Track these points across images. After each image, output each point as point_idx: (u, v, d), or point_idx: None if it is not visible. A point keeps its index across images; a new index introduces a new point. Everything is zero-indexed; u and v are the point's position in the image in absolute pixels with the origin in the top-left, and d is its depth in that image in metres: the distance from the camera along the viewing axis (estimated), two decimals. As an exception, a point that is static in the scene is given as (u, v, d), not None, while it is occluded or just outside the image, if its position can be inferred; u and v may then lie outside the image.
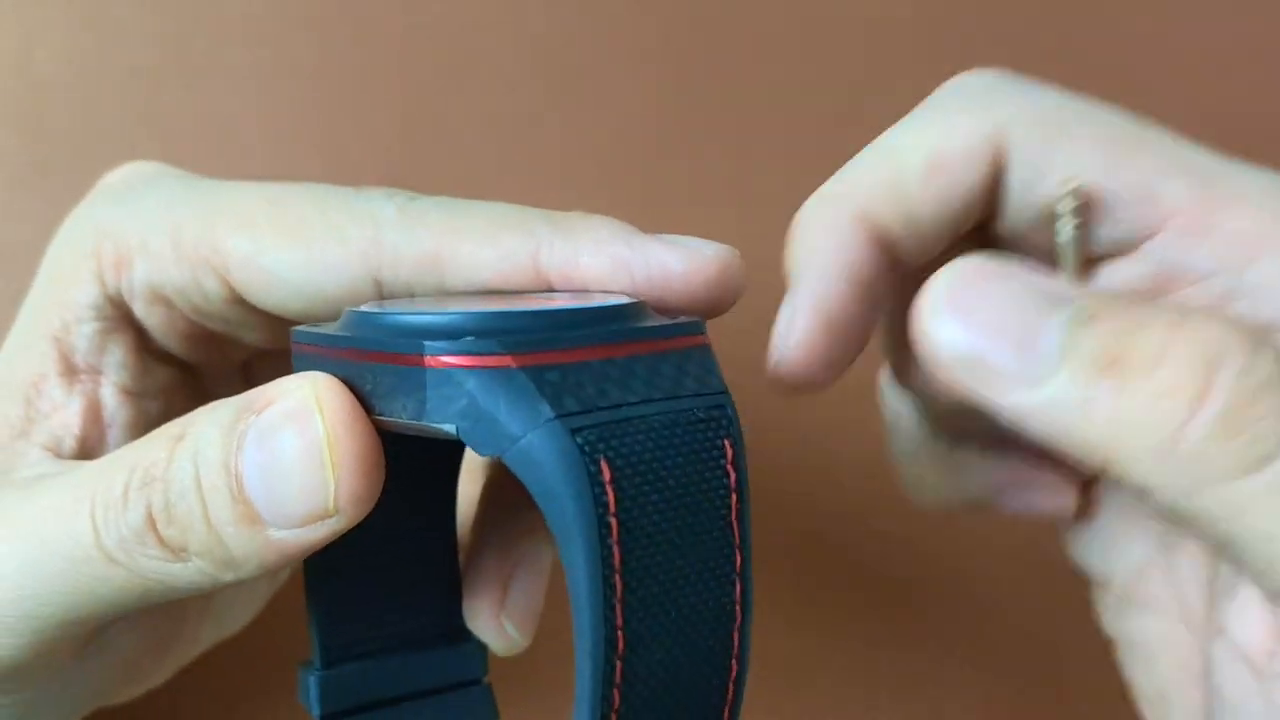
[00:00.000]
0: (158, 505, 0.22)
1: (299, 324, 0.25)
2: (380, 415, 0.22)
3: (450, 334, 0.20)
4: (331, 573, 0.26)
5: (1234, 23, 0.46)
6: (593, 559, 0.19)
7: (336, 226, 0.25)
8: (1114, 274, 0.25)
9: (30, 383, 0.26)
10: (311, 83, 0.40)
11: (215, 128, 0.39)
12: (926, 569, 0.42)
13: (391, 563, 0.27)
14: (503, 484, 0.29)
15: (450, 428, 0.20)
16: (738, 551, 0.21)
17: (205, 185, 0.27)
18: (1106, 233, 0.24)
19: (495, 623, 0.28)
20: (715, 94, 0.43)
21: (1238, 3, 0.46)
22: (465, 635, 0.28)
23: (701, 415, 0.21)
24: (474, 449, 0.20)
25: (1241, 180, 0.24)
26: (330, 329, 0.23)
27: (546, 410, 0.19)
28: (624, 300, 0.22)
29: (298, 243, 0.25)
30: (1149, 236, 0.24)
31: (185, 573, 0.22)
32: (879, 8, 0.44)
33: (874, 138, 0.26)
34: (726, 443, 0.21)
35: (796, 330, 0.25)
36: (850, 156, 0.26)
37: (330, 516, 0.21)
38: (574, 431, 0.19)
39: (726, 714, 0.22)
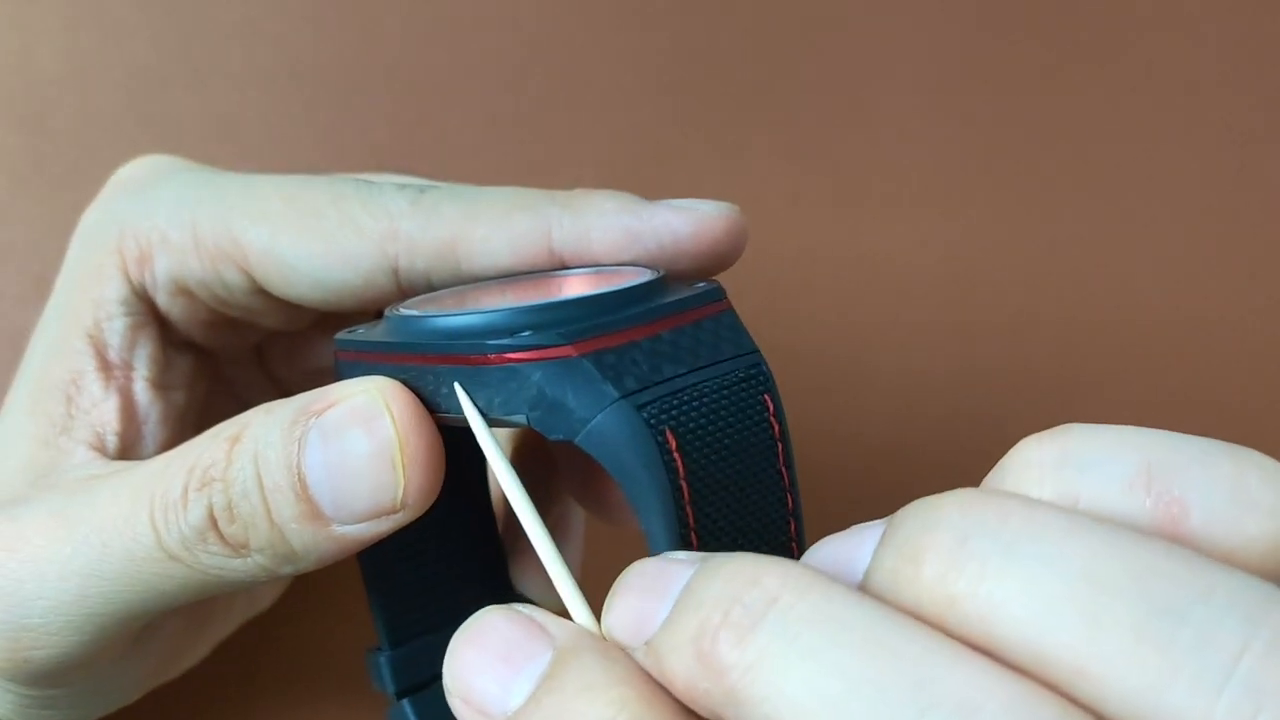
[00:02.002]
0: (219, 505, 0.23)
1: (317, 311, 0.26)
2: (445, 413, 0.23)
3: (507, 331, 0.22)
4: (386, 559, 0.27)
5: (1235, 22, 0.46)
6: (670, 523, 0.21)
7: (352, 218, 0.25)
8: None
9: (69, 380, 0.26)
10: (311, 83, 0.40)
11: (215, 128, 0.39)
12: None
13: (441, 540, 0.29)
14: (527, 455, 0.31)
15: (521, 418, 0.21)
16: (788, 494, 0.23)
17: (221, 179, 0.28)
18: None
19: (544, 580, 0.29)
20: (715, 93, 0.43)
21: (1238, 2, 0.46)
22: (518, 598, 0.30)
23: (742, 375, 0.22)
24: (545, 434, 0.21)
25: None
26: (375, 334, 0.24)
27: (611, 391, 0.21)
28: (650, 276, 0.23)
29: (314, 235, 0.25)
30: None
31: (245, 567, 0.23)
32: (879, 6, 0.44)
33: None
34: (766, 397, 0.22)
35: None
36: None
37: (396, 512, 0.23)
38: (639, 408, 0.21)
39: None
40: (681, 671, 0.16)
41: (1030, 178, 0.43)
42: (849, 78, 0.44)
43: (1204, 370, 0.42)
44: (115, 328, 0.27)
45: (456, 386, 0.22)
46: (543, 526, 0.21)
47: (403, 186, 0.26)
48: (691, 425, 0.21)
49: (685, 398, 0.21)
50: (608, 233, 0.25)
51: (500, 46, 0.42)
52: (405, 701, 0.28)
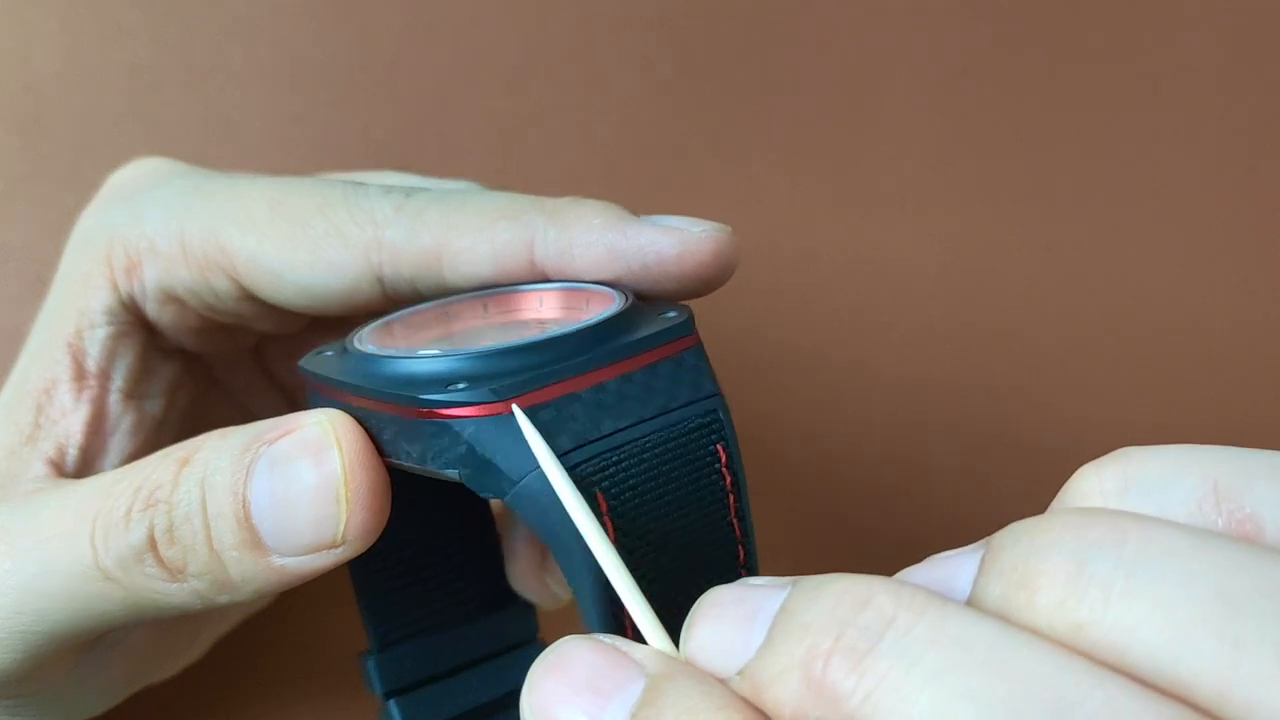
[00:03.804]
0: (160, 527, 0.23)
1: (308, 315, 0.26)
2: (388, 457, 0.22)
3: (442, 382, 0.21)
4: (375, 561, 0.27)
5: (1234, 23, 0.46)
6: (598, 588, 0.20)
7: (337, 226, 0.25)
8: None
9: (42, 389, 0.26)
10: (311, 83, 0.40)
11: (215, 127, 0.39)
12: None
13: (432, 543, 0.28)
14: None
15: (453, 473, 0.21)
16: (740, 546, 0.22)
17: (210, 184, 0.28)
18: None
19: (538, 581, 0.29)
20: (716, 92, 0.43)
21: (1239, 2, 0.46)
22: (511, 598, 0.29)
23: (695, 424, 0.21)
24: (477, 492, 0.21)
25: None
26: (330, 364, 0.24)
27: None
28: (614, 309, 0.23)
29: (300, 244, 0.25)
30: None
31: (180, 593, 0.23)
32: (880, 6, 0.44)
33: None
34: (720, 447, 0.22)
35: None
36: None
37: (337, 547, 0.22)
38: (568, 470, 0.20)
39: None
40: (789, 699, 0.15)
41: (1032, 178, 0.43)
42: (851, 78, 0.43)
43: (1207, 370, 0.42)
44: (97, 336, 0.27)
45: (515, 409, 0.21)
46: (615, 552, 0.20)
47: (389, 190, 0.26)
48: (625, 485, 0.21)
49: (621, 455, 0.21)
50: (591, 249, 0.24)
51: (500, 46, 0.42)
52: (392, 702, 0.28)
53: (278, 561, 0.22)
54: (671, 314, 0.23)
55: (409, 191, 0.26)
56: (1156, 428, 0.41)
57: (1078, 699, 0.14)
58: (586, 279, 0.25)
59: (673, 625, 0.20)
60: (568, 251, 0.25)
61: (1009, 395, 0.41)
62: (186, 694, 0.32)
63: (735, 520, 0.22)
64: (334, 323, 0.28)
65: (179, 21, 0.39)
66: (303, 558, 0.22)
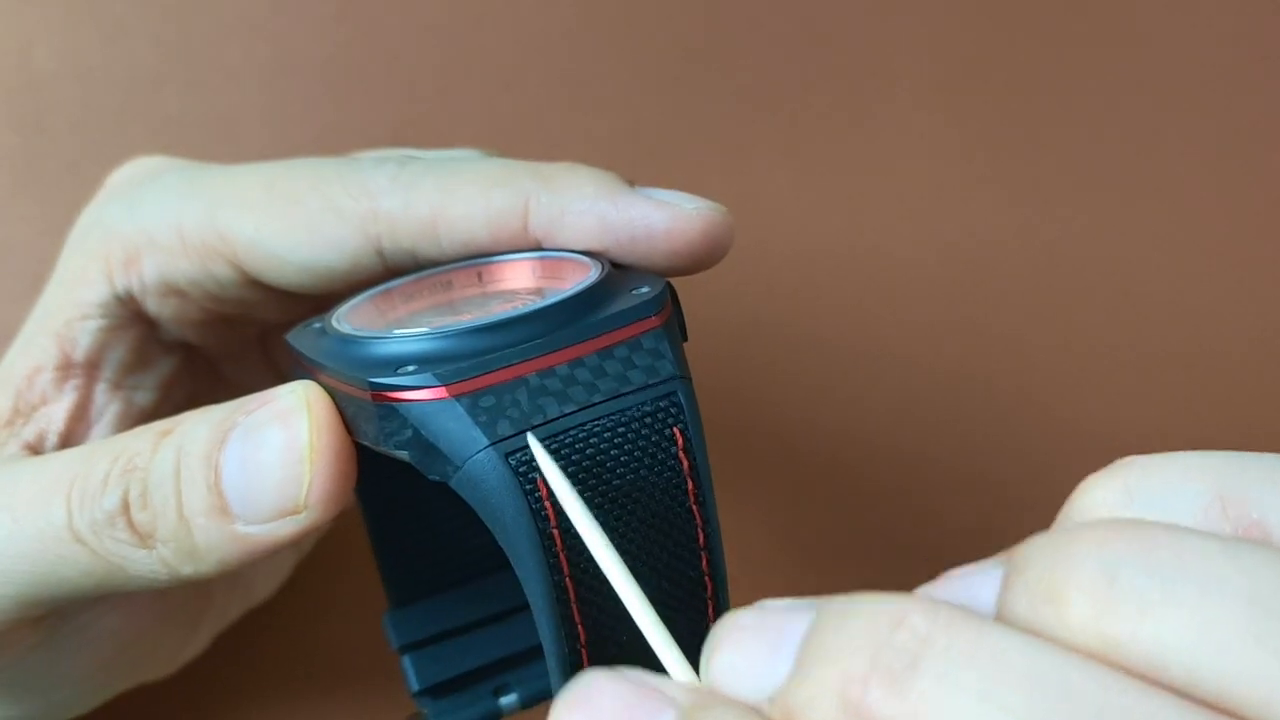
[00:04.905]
0: (135, 492, 0.23)
1: (314, 298, 0.26)
2: (351, 434, 0.23)
3: (391, 364, 0.21)
4: (392, 519, 0.27)
5: (1234, 22, 0.46)
6: (541, 570, 0.20)
7: (332, 201, 0.25)
8: None
9: (25, 376, 0.26)
10: (311, 82, 0.40)
11: (215, 127, 0.39)
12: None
13: (445, 502, 0.29)
14: None
15: (404, 454, 0.21)
16: (700, 531, 0.22)
17: (205, 174, 0.28)
18: None
19: None
20: (716, 91, 0.43)
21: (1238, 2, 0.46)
22: None
23: (649, 409, 0.21)
24: (425, 474, 0.21)
25: None
26: (312, 337, 0.24)
27: (480, 437, 0.20)
28: (576, 289, 0.22)
29: (296, 222, 0.25)
30: None
31: (146, 561, 0.23)
32: (881, 5, 0.44)
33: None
34: (676, 431, 0.21)
35: None
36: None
37: (299, 513, 0.22)
38: (507, 455, 0.20)
39: None
40: None
41: (1033, 176, 0.43)
42: (852, 76, 0.43)
43: (1210, 365, 0.42)
44: (88, 328, 0.27)
45: (531, 438, 0.21)
46: (628, 574, 0.19)
47: (382, 161, 0.26)
48: (569, 471, 0.20)
49: (566, 440, 0.20)
50: (581, 218, 0.24)
51: (500, 45, 0.42)
52: (406, 658, 0.28)
53: (241, 529, 0.22)
54: (644, 289, 0.23)
55: (403, 161, 0.26)
56: (1159, 423, 0.41)
57: (1125, 711, 0.14)
58: (576, 248, 0.25)
59: (623, 610, 0.20)
60: (559, 219, 0.24)
61: (1011, 393, 0.41)
62: (186, 693, 0.32)
63: (695, 506, 0.21)
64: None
65: (178, 21, 0.39)
66: (266, 525, 0.22)
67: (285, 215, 0.25)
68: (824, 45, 0.44)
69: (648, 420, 0.21)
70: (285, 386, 0.23)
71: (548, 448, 0.20)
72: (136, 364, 0.28)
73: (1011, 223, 0.43)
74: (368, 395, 0.21)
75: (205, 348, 0.29)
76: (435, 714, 0.28)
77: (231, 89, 0.39)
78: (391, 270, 0.26)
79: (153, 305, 0.27)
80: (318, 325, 0.25)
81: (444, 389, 0.20)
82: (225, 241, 0.26)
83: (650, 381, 0.21)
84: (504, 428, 0.20)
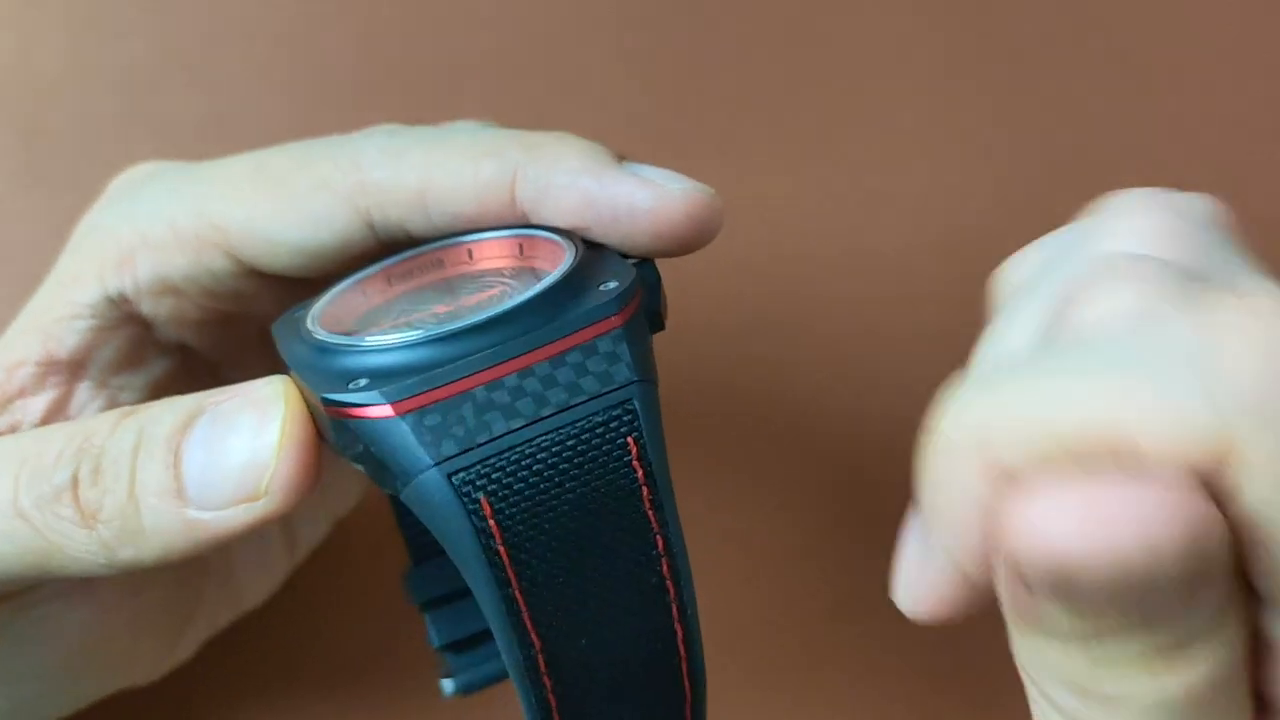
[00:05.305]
0: (86, 469, 0.23)
1: (313, 286, 0.26)
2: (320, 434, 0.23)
3: (344, 377, 0.21)
4: None
5: (1234, 21, 0.46)
6: (490, 586, 0.21)
7: (321, 176, 0.25)
8: None
9: (4, 367, 0.26)
10: (311, 83, 0.40)
11: (215, 128, 0.39)
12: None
13: None
14: None
15: (359, 467, 0.21)
16: (658, 536, 0.21)
17: (196, 168, 0.27)
18: None
19: None
20: (717, 90, 0.43)
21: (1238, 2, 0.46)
22: None
23: (600, 419, 0.21)
24: (379, 487, 0.21)
25: None
26: (290, 329, 0.24)
27: (424, 458, 0.20)
28: (532, 292, 0.22)
29: (286, 202, 0.25)
30: None
31: (85, 541, 0.23)
32: (882, 4, 0.44)
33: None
34: (630, 440, 0.21)
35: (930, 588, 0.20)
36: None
37: (258, 499, 0.22)
38: (450, 475, 0.20)
39: (684, 671, 0.23)
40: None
41: (1035, 175, 0.43)
42: (853, 74, 0.43)
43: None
44: (76, 328, 0.26)
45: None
46: None
47: (370, 134, 0.26)
48: (515, 488, 0.20)
49: (512, 457, 0.20)
50: (565, 192, 0.24)
51: (500, 45, 0.42)
52: (427, 615, 0.28)
53: (193, 514, 0.22)
54: (611, 284, 0.22)
55: (391, 133, 0.26)
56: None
57: None
58: (560, 223, 0.24)
59: (580, 617, 0.21)
60: (544, 192, 0.24)
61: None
62: (175, 694, 0.31)
63: (651, 511, 0.21)
64: None
65: (178, 21, 0.39)
66: (220, 512, 0.22)
67: (275, 196, 0.25)
68: (824, 44, 0.44)
69: (599, 431, 0.21)
70: (263, 379, 0.23)
71: (488, 467, 0.20)
72: (125, 365, 0.27)
73: (1014, 222, 0.43)
74: (322, 408, 0.21)
75: (203, 349, 0.29)
76: (458, 669, 0.28)
77: (232, 90, 0.39)
78: (385, 247, 0.26)
79: (148, 306, 0.27)
80: (299, 313, 0.24)
81: (389, 407, 0.20)
82: (218, 230, 0.26)
83: (603, 389, 0.21)
84: (448, 447, 0.20)
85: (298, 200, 0.25)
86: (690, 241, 0.24)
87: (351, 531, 0.33)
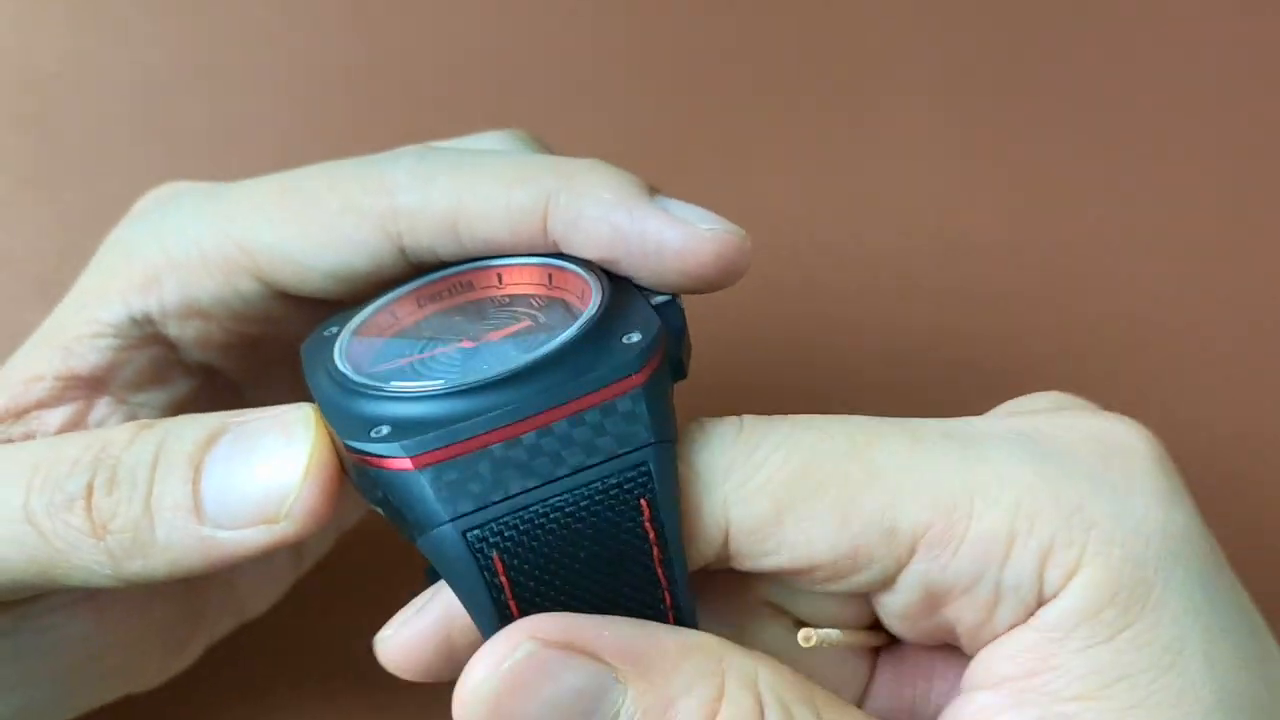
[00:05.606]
0: (102, 478, 0.23)
1: (343, 303, 0.25)
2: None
3: (367, 422, 0.21)
4: None
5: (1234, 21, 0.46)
6: (490, 625, 0.21)
7: (350, 200, 0.25)
8: (887, 607, 0.23)
9: (23, 380, 0.26)
10: (313, 83, 0.40)
11: (218, 128, 0.39)
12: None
13: None
14: None
15: (379, 510, 0.21)
16: (666, 592, 0.21)
17: (222, 189, 0.27)
18: (863, 581, 0.22)
19: None
20: (718, 90, 0.43)
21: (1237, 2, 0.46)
22: None
23: (615, 481, 0.21)
24: (397, 531, 0.21)
25: (976, 473, 0.22)
26: (319, 351, 0.24)
27: (440, 513, 0.20)
28: (557, 344, 0.22)
29: (316, 225, 0.25)
30: (903, 566, 0.22)
31: (92, 552, 0.23)
32: (883, 3, 0.44)
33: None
34: (644, 502, 0.21)
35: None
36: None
37: (276, 523, 0.22)
38: (465, 532, 0.20)
39: None
40: None
41: (1035, 174, 0.43)
42: (854, 73, 0.43)
43: (1210, 360, 0.42)
44: (97, 346, 0.26)
45: None
46: None
47: (399, 156, 0.25)
48: (528, 547, 0.21)
49: (526, 517, 0.20)
50: (595, 225, 0.24)
51: (502, 48, 0.42)
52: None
53: (208, 532, 0.22)
54: (634, 336, 0.22)
55: (421, 154, 0.25)
56: (1160, 415, 0.41)
57: None
58: (590, 254, 0.24)
59: None
60: (574, 223, 0.24)
61: (1011, 394, 0.41)
62: (182, 695, 0.31)
63: (660, 568, 0.21)
64: None
65: (181, 22, 0.39)
66: (237, 532, 0.22)
67: (303, 219, 0.25)
68: (827, 41, 0.43)
69: (614, 493, 0.21)
70: (292, 405, 0.23)
71: (502, 526, 0.20)
72: (147, 383, 0.27)
73: (1015, 221, 0.43)
74: (343, 449, 0.22)
75: (227, 370, 0.28)
76: None
77: (234, 90, 0.39)
78: (413, 267, 0.25)
79: (174, 329, 0.27)
80: (329, 332, 0.24)
81: (409, 460, 0.20)
82: (246, 253, 0.25)
83: (620, 450, 0.21)
84: (464, 504, 0.20)
85: (328, 223, 0.25)
86: (717, 281, 0.24)
87: (354, 533, 0.33)
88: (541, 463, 0.21)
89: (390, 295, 0.25)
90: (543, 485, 0.20)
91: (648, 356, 0.21)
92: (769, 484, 0.22)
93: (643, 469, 0.21)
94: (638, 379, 0.21)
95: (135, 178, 0.30)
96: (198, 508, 0.22)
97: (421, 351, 0.24)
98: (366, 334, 0.24)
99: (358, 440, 0.21)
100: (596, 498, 0.21)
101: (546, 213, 0.24)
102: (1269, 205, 0.44)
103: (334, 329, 0.24)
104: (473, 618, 0.21)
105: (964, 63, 0.44)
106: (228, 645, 0.32)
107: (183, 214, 0.27)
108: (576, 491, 0.21)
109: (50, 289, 0.28)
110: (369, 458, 0.21)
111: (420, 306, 0.25)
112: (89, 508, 0.22)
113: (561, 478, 0.21)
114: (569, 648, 0.20)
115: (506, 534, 0.20)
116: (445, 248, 0.25)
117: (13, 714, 0.27)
